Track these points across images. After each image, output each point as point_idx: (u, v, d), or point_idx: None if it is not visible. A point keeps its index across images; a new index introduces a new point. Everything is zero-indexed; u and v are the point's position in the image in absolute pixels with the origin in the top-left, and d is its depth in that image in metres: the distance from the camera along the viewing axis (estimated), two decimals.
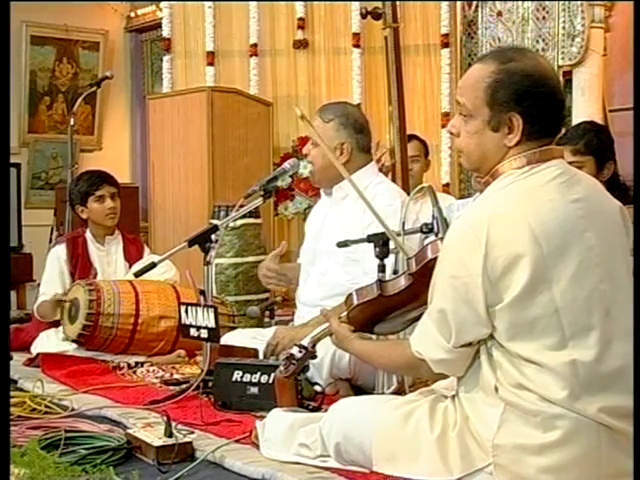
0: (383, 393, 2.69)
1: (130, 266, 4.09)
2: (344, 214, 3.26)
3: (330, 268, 3.26)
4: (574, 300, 1.85)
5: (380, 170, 4.15)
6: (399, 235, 2.67)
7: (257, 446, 2.33)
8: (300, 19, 5.67)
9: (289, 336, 3.12)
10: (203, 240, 3.01)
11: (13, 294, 6.12)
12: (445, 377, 2.10)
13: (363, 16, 4.22)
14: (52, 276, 4.00)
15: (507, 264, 1.84)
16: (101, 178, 4.10)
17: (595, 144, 3.17)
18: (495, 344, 1.90)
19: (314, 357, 2.50)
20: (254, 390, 2.77)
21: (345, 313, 2.35)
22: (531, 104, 1.91)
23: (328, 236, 3.26)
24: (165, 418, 2.35)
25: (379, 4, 4.20)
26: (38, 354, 3.71)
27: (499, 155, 1.96)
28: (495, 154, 1.97)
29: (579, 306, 1.85)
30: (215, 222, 3.18)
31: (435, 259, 2.04)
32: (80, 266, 4.02)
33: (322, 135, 3.21)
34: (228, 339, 3.32)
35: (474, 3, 5.44)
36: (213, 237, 3.01)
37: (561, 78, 4.66)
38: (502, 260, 1.84)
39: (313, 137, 3.24)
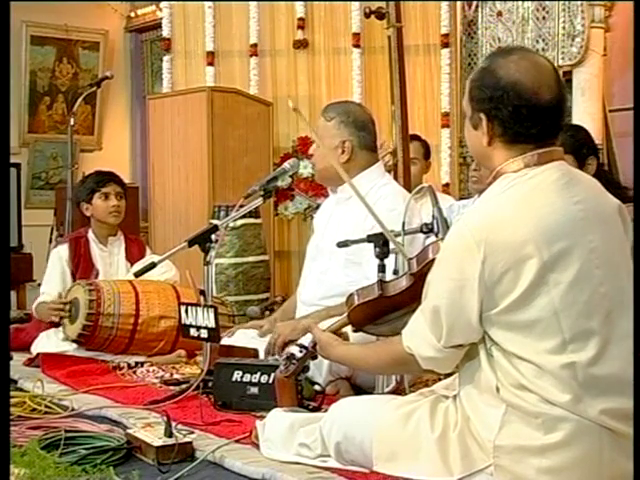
0: (383, 392, 2.68)
1: (132, 267, 4.09)
2: (348, 215, 3.23)
3: (331, 268, 3.24)
4: (574, 303, 1.84)
5: None
6: (399, 236, 2.66)
7: (257, 446, 2.33)
8: (300, 19, 5.66)
9: (290, 326, 3.10)
10: (203, 240, 3.01)
11: (13, 294, 6.11)
12: (436, 373, 2.10)
13: (367, 16, 4.20)
14: (53, 276, 4.01)
15: (506, 269, 1.83)
16: (108, 176, 4.14)
17: (570, 144, 3.13)
18: (495, 345, 1.90)
19: (315, 357, 2.50)
20: (254, 390, 2.77)
21: (346, 313, 2.35)
22: (494, 107, 1.91)
23: (331, 235, 3.23)
24: (165, 418, 2.35)
25: (382, 4, 4.19)
26: (38, 354, 3.71)
27: (486, 154, 1.97)
28: (482, 153, 1.99)
29: (579, 309, 1.84)
30: (215, 222, 3.18)
31: None
32: (82, 266, 4.02)
33: (325, 134, 3.21)
34: (228, 339, 3.31)
35: (474, 3, 5.44)
36: (213, 237, 3.02)
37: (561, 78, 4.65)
38: (501, 265, 1.83)
39: (313, 135, 3.24)
